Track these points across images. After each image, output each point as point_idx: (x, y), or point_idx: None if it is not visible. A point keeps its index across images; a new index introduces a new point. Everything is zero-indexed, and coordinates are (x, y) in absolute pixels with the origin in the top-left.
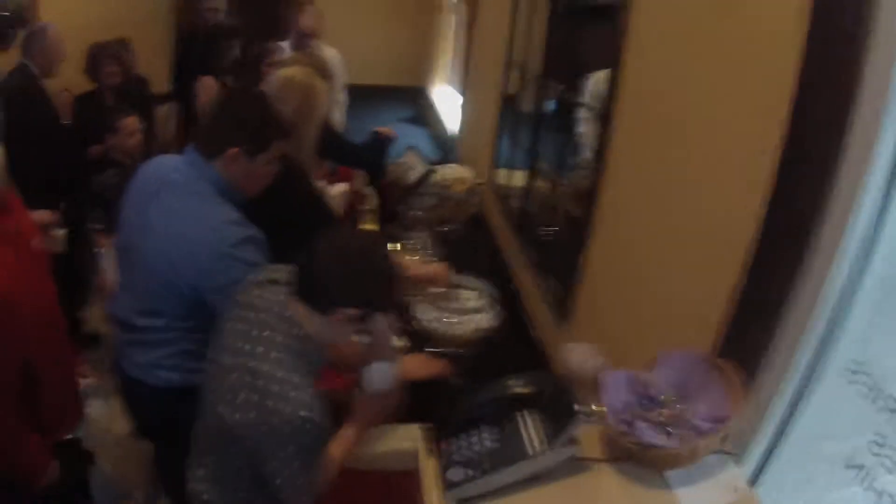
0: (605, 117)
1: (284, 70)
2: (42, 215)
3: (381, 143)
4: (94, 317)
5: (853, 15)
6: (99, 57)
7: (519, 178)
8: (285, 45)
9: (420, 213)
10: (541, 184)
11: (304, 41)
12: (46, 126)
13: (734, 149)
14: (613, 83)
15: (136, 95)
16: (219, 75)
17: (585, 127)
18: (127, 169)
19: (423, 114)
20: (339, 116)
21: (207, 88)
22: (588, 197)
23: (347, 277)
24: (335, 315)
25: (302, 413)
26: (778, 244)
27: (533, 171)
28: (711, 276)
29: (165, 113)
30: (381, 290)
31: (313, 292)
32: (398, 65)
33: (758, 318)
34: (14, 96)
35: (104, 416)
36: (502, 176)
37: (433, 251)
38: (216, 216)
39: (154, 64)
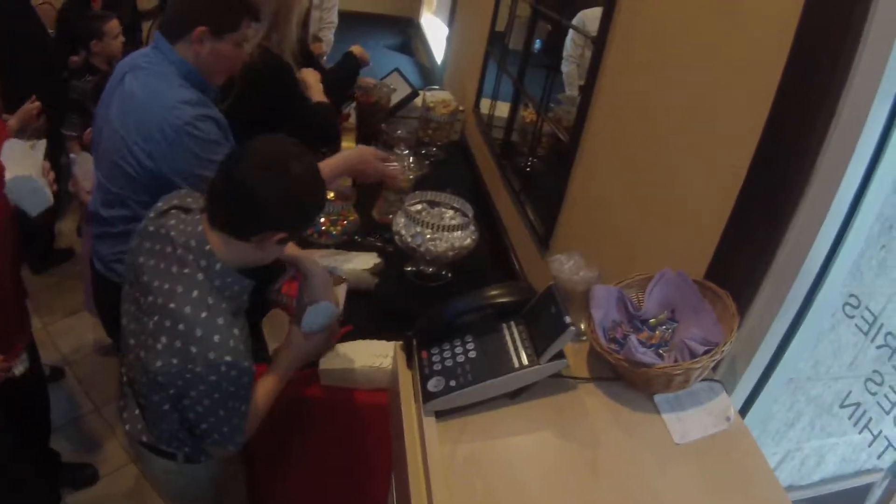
0: (596, 52)
1: None
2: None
3: (352, 63)
4: (67, 230)
5: None
6: None
7: (503, 109)
8: None
9: (401, 133)
10: (525, 115)
11: None
12: (30, 38)
13: (731, 76)
14: (607, 17)
15: (125, 5)
16: None
17: (569, 67)
18: (105, 74)
19: (410, 42)
20: (329, 37)
21: None
22: (574, 127)
23: (276, 199)
24: (261, 241)
25: (227, 358)
26: (774, 168)
27: (517, 104)
28: (702, 202)
29: (149, 26)
30: (313, 208)
31: (235, 218)
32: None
33: (750, 245)
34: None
35: (76, 328)
36: (486, 106)
37: (415, 169)
38: (172, 96)
39: None
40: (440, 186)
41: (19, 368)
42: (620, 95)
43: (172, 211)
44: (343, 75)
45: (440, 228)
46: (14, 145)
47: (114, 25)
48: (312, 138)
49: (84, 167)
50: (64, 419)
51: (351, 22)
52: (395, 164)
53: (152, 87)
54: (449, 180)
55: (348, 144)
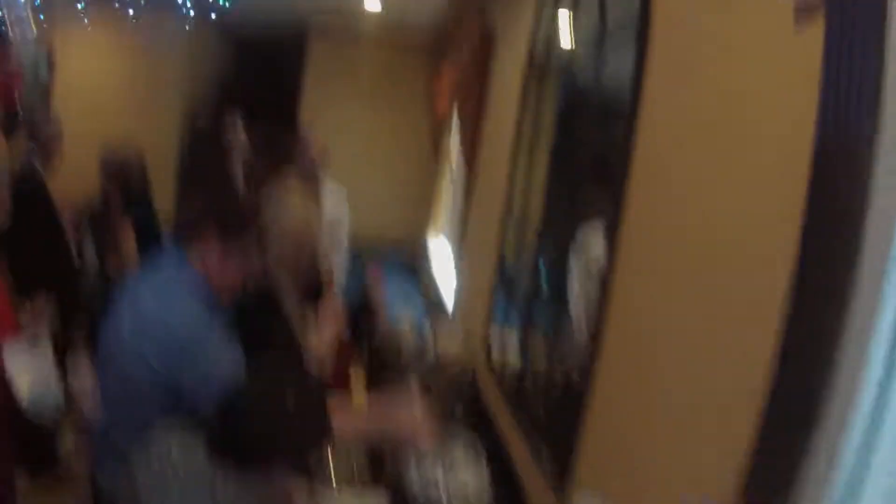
0: (603, 285)
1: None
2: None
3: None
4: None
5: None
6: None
7: (514, 340)
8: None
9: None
10: (536, 346)
11: (310, 172)
12: (49, 237)
13: (744, 292)
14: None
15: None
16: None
17: (578, 289)
18: (113, 280)
19: (417, 265)
20: (340, 260)
21: None
22: (586, 366)
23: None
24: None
25: None
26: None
27: (526, 334)
28: (721, 443)
29: None
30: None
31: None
32: (395, 212)
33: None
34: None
35: None
36: (497, 335)
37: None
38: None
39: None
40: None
41: None
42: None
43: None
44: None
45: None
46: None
47: (127, 235)
48: None
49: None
50: None
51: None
52: None
53: (166, 301)
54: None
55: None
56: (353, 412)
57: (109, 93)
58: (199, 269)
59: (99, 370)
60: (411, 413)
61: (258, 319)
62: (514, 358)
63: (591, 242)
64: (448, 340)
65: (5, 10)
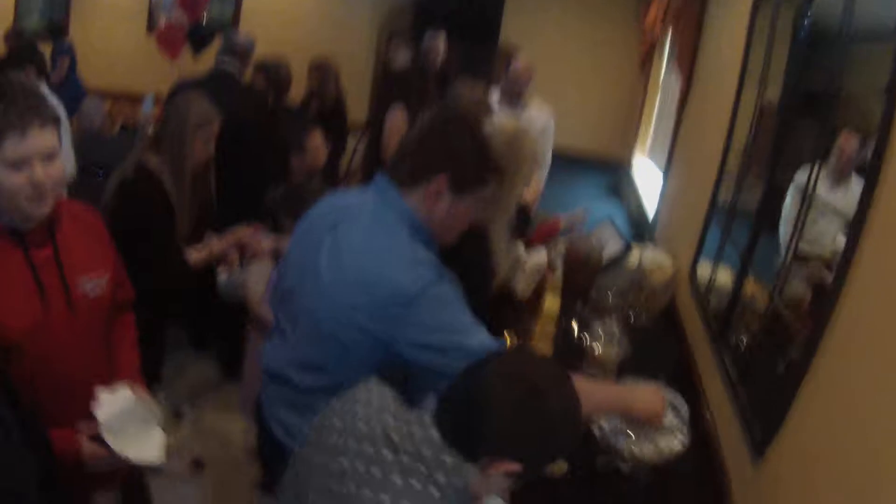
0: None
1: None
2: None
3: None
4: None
5: None
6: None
7: (725, 277)
8: (494, 95)
9: (610, 296)
10: (752, 291)
11: (514, 92)
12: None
13: None
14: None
15: (336, 116)
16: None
17: (786, 227)
18: (300, 188)
19: (619, 187)
20: (542, 177)
21: (396, 120)
22: (813, 320)
23: (519, 433)
24: (489, 467)
25: None
26: None
27: (743, 275)
28: None
29: (355, 144)
30: (560, 449)
31: (465, 436)
32: (599, 131)
33: None
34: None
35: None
36: (704, 269)
37: (621, 338)
38: (406, 255)
39: (349, 93)
40: (646, 366)
41: None
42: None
43: (388, 404)
44: None
45: (649, 431)
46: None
47: (315, 138)
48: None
49: (257, 275)
50: None
51: (561, 158)
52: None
53: (379, 243)
54: (655, 357)
55: (553, 302)
56: (591, 389)
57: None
58: (422, 214)
59: (287, 313)
60: (653, 393)
61: (468, 259)
62: (722, 300)
63: (828, 188)
64: (653, 266)
65: None
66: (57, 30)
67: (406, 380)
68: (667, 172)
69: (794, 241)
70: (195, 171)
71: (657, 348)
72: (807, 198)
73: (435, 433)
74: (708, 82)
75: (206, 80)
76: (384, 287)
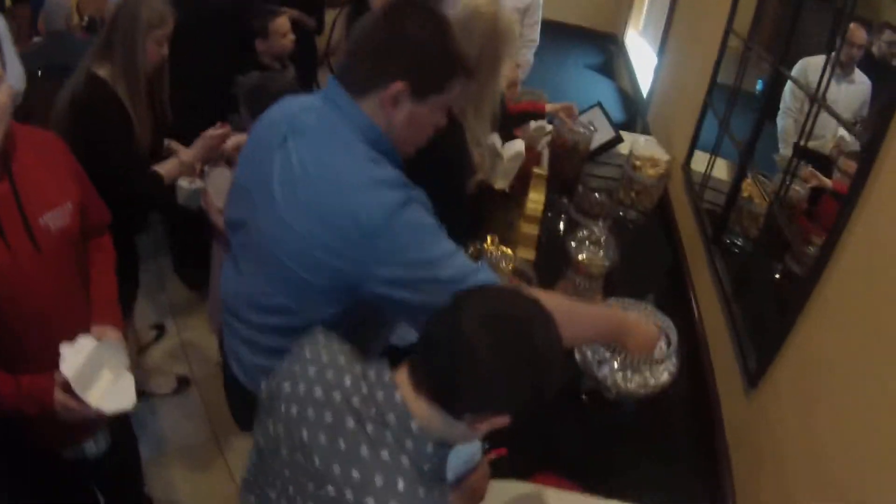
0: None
1: None
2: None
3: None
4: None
5: None
6: None
7: (722, 169)
8: None
9: (597, 191)
10: (752, 192)
11: None
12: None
13: None
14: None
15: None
16: None
17: (786, 121)
18: (272, 74)
19: (612, 62)
20: (528, 57)
21: None
22: (825, 231)
23: (509, 376)
24: (475, 421)
25: None
26: None
27: (742, 173)
28: None
29: (334, 17)
30: (550, 388)
31: (450, 388)
32: (591, 3)
33: None
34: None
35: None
36: (700, 162)
37: (609, 245)
38: (364, 173)
39: None
40: (636, 274)
41: (92, 450)
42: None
43: (343, 363)
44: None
45: (634, 361)
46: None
47: (281, 23)
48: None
49: (217, 182)
50: (178, 443)
51: (549, 34)
52: None
53: (334, 161)
54: (646, 263)
55: (538, 195)
56: (579, 317)
57: None
58: (380, 124)
59: (242, 246)
60: (647, 331)
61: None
62: (719, 199)
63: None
64: (645, 159)
65: None
66: None
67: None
68: (662, 51)
69: (802, 138)
70: (149, 75)
71: (648, 252)
72: (818, 91)
73: (398, 395)
74: None
75: None
76: (344, 217)
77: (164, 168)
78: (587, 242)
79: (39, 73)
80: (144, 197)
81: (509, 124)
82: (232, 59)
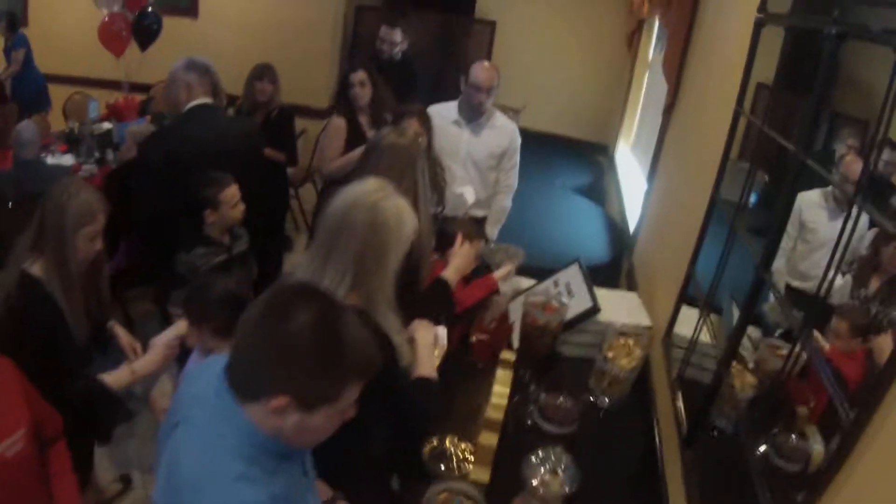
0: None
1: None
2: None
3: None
4: None
5: None
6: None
7: (707, 361)
8: (451, 105)
9: (562, 395)
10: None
11: (473, 105)
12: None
13: None
14: None
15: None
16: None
17: (779, 262)
18: (211, 281)
19: (601, 181)
20: (505, 203)
21: (334, 129)
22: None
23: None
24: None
25: None
26: None
27: (729, 359)
28: None
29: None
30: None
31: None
32: (580, 114)
33: None
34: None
35: None
36: (683, 335)
37: (569, 470)
38: (230, 470)
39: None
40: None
41: None
42: None
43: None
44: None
45: None
46: None
47: (232, 193)
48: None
49: (164, 388)
50: None
51: (540, 148)
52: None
53: (203, 462)
54: (616, 454)
55: (502, 388)
56: None
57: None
58: (267, 430)
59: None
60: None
61: None
62: (702, 387)
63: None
64: (620, 342)
65: None
66: (11, 23)
67: None
68: (651, 179)
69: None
70: (84, 270)
71: (619, 445)
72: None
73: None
74: (698, 81)
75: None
76: None
77: (113, 376)
78: (545, 467)
79: (10, 203)
80: (80, 406)
81: (466, 318)
82: (182, 223)
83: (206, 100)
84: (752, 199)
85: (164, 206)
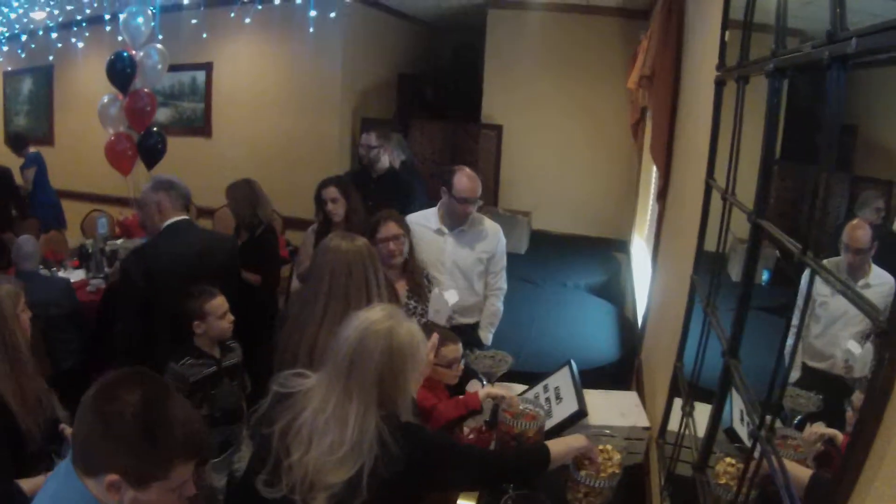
0: None
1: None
2: None
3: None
4: None
5: None
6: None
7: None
8: (430, 212)
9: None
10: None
11: (456, 213)
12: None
13: None
14: None
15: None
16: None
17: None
18: (209, 362)
19: (616, 280)
20: (497, 306)
21: (308, 236)
22: None
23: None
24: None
25: None
26: None
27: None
28: None
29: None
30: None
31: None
32: (591, 212)
33: None
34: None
35: None
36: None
37: None
38: None
39: None
40: None
41: None
42: None
43: None
44: None
45: None
46: None
47: (219, 304)
48: None
49: None
50: None
51: (549, 246)
52: None
53: None
54: None
55: None
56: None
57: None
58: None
59: None
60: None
61: None
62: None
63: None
64: (604, 453)
65: None
66: (16, 143)
67: None
68: (654, 265)
69: None
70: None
71: None
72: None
73: None
74: (685, 175)
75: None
76: None
77: (31, 483)
78: None
79: None
80: None
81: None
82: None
83: (181, 216)
84: (765, 276)
85: (147, 323)
